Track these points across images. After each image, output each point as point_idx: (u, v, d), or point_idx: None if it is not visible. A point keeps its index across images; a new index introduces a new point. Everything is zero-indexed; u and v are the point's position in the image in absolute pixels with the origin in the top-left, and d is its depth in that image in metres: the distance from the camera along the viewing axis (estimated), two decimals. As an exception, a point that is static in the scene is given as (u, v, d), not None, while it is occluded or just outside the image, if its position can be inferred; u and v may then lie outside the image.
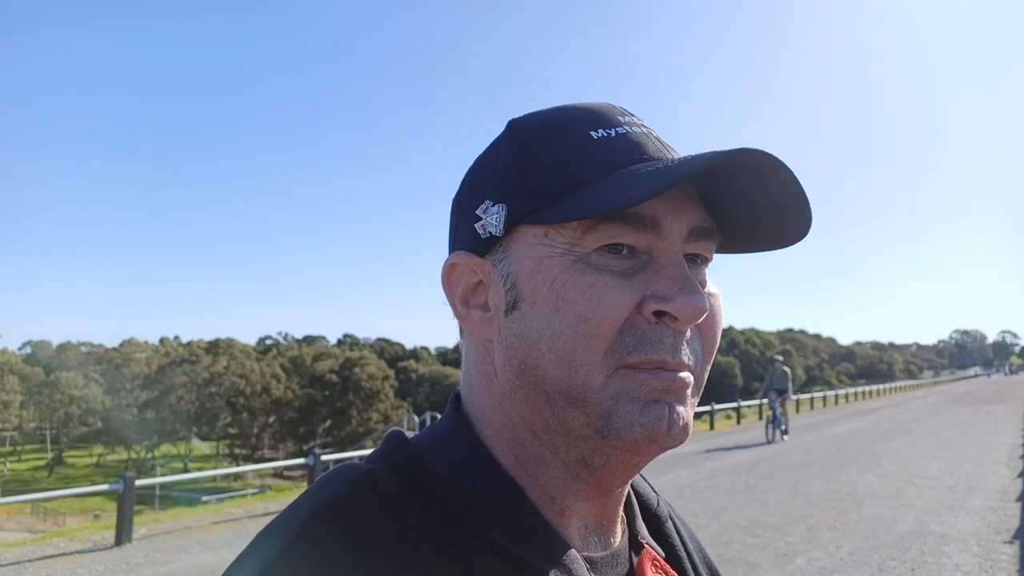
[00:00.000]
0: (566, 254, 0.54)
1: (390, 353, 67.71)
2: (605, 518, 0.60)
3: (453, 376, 55.94)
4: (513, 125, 0.60)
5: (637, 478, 0.68)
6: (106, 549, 7.67)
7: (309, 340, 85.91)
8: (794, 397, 29.65)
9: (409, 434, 0.60)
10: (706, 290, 0.57)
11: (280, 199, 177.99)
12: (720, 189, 0.57)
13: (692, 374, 0.55)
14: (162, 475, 33.50)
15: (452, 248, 0.62)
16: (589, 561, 0.56)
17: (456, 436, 0.59)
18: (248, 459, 51.06)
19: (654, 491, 0.70)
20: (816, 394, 35.48)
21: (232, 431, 55.38)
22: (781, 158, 0.51)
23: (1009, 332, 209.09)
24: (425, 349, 72.23)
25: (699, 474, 11.60)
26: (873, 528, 7.87)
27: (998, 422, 22.52)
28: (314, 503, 0.51)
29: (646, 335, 0.53)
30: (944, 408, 30.46)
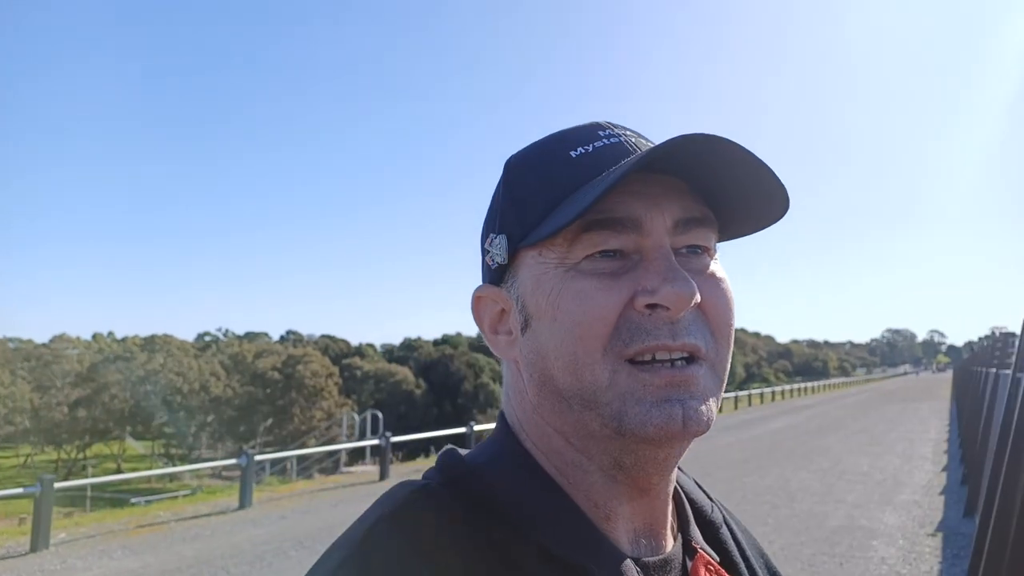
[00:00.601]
0: (559, 266, 0.58)
1: (335, 350, 66.78)
2: (654, 521, 0.62)
3: (399, 374, 55.56)
4: (507, 162, 0.66)
5: (690, 485, 0.71)
6: (19, 556, 7.31)
7: (251, 337, 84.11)
8: (731, 395, 30.38)
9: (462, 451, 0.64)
10: (709, 275, 0.60)
11: (219, 188, 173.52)
12: (699, 178, 0.60)
13: (702, 357, 0.57)
14: (94, 476, 32.45)
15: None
16: (641, 565, 0.59)
17: (505, 449, 0.63)
18: (185, 459, 49.90)
19: (710, 498, 0.72)
20: (754, 391, 36.36)
21: (168, 430, 53.98)
22: (727, 137, 0.54)
23: (937, 331, 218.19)
24: (371, 346, 71.38)
25: (639, 471, 11.71)
26: (805, 523, 8.05)
27: (925, 418, 23.42)
28: (373, 516, 0.55)
29: (641, 326, 0.56)
30: (875, 405, 31.56)
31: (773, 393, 38.65)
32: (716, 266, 0.62)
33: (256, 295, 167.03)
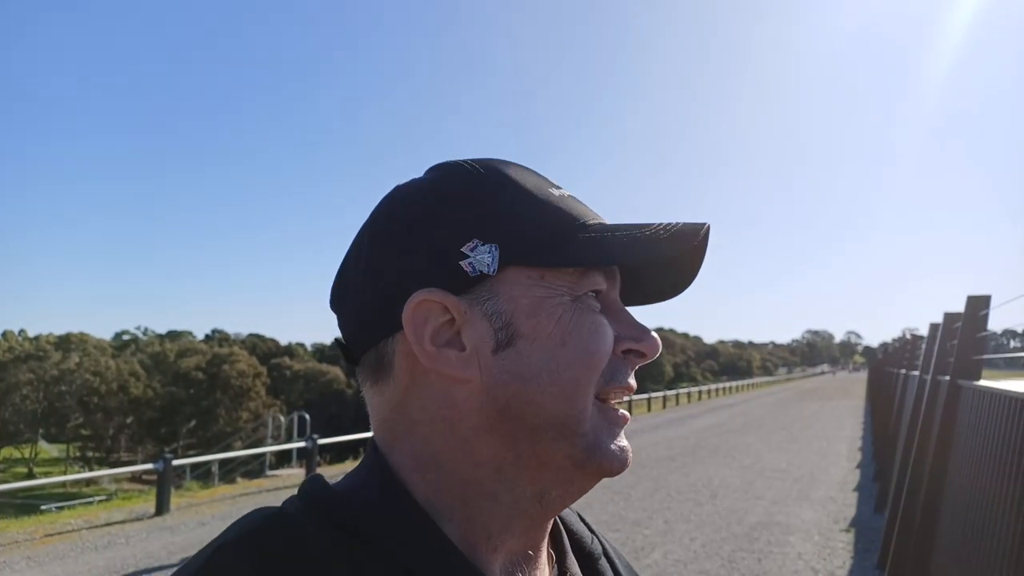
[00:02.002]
0: (567, 294, 0.58)
1: (263, 349, 65.18)
2: (534, 551, 0.62)
3: (330, 373, 54.60)
4: (483, 168, 0.62)
5: (571, 517, 0.71)
6: (-90, 571, 6.84)
7: (173, 335, 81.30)
8: (659, 394, 31.02)
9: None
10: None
11: (135, 177, 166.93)
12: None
13: None
14: (2, 481, 30.78)
15: (395, 284, 0.59)
16: None
17: (374, 477, 0.59)
18: (103, 462, 47.93)
19: (590, 529, 0.72)
20: (682, 390, 37.20)
21: (85, 432, 51.78)
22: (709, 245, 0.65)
23: (854, 333, 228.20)
24: (301, 345, 69.98)
25: (568, 471, 11.82)
26: (726, 520, 8.27)
27: (841, 416, 24.43)
28: (217, 543, 0.52)
29: (619, 368, 0.60)
30: (794, 403, 32.73)
31: (700, 392, 39.62)
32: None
33: (178, 293, 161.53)
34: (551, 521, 0.63)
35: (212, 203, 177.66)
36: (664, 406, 30.70)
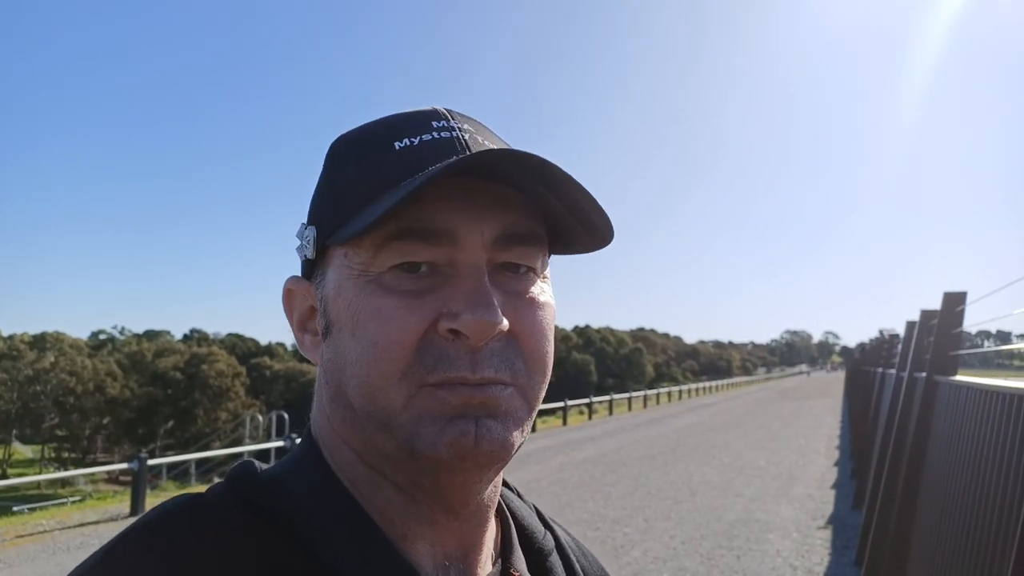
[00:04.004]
0: (361, 275, 0.53)
1: (242, 349, 64.68)
2: (467, 546, 0.58)
3: (310, 373, 54.34)
4: (333, 143, 0.59)
5: (523, 511, 0.67)
6: None
7: (150, 335, 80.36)
8: (640, 394, 31.13)
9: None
10: (528, 299, 0.55)
11: (112, 177, 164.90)
12: (532, 192, 0.54)
13: (509, 386, 0.53)
14: (-28, 483, 30.26)
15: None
16: None
17: (304, 462, 0.57)
18: (79, 463, 47.32)
19: (547, 524, 0.68)
20: (663, 390, 37.35)
21: (60, 433, 51.09)
22: (550, 161, 0.50)
23: (832, 333, 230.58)
24: (281, 345, 69.42)
25: (547, 469, 11.81)
26: (705, 517, 8.30)
27: (819, 415, 24.64)
28: (125, 530, 0.50)
29: (445, 353, 0.51)
30: (773, 402, 32.99)
31: (680, 392, 39.81)
32: (540, 288, 0.57)
33: (157, 292, 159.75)
34: (477, 514, 0.58)
35: (193, 202, 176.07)
36: (645, 405, 30.81)
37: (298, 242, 0.60)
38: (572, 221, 0.57)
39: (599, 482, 10.58)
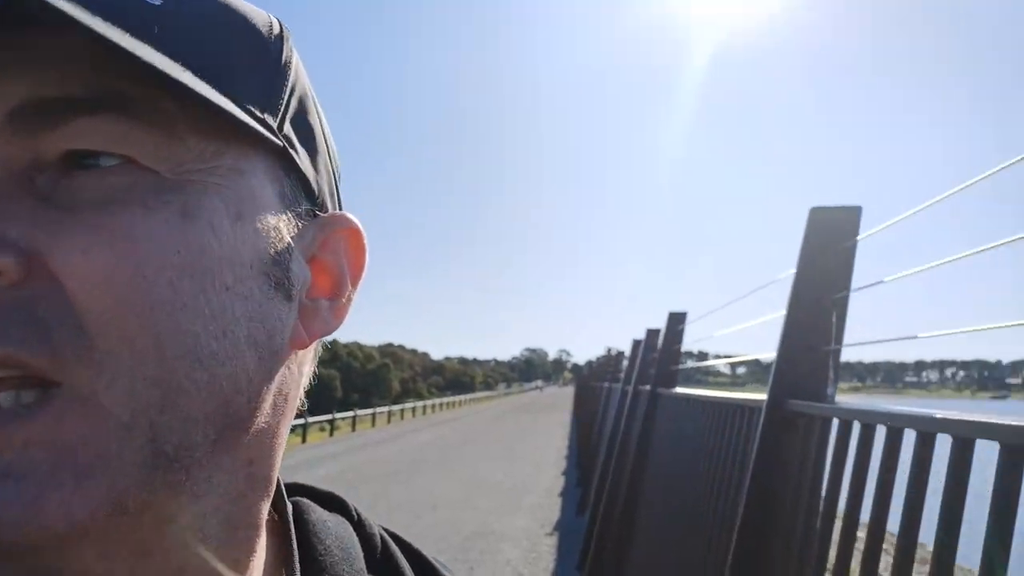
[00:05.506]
0: None
1: None
2: None
3: None
4: None
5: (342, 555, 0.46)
6: None
7: None
8: (385, 409, 30.94)
9: None
10: (98, 216, 0.31)
11: None
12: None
13: (46, 380, 0.29)
14: None
15: None
16: None
17: None
18: None
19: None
20: (407, 405, 37.46)
21: None
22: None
23: (565, 351, 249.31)
24: None
25: (282, 489, 11.12)
26: (443, 531, 8.28)
27: (551, 428, 26.26)
28: None
29: None
30: (511, 416, 34.62)
31: (425, 407, 40.20)
32: (145, 192, 0.32)
33: None
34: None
35: None
36: (389, 421, 30.62)
37: None
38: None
39: (336, 500, 10.16)
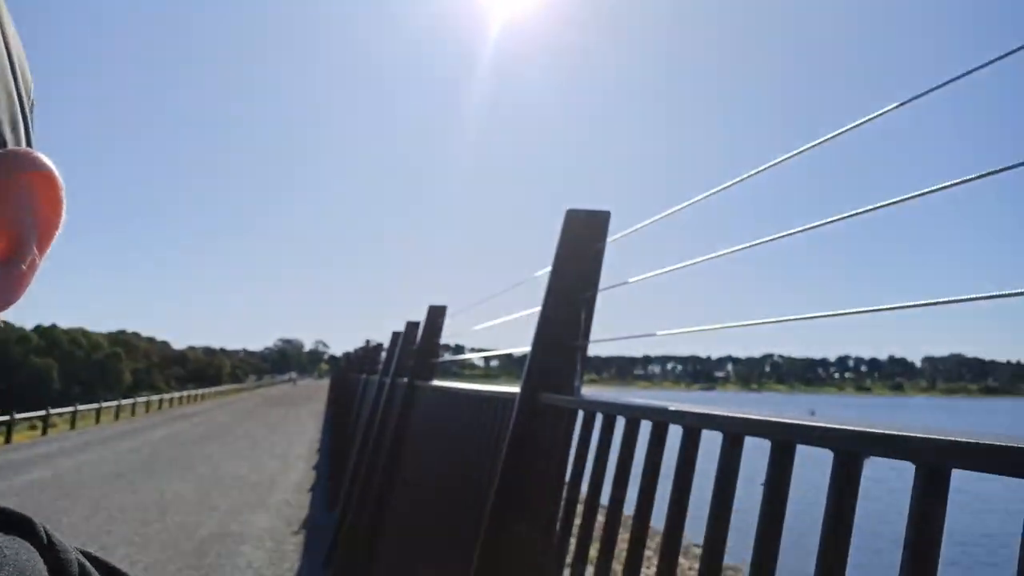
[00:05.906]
0: None
1: None
2: None
3: None
4: None
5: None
6: None
7: None
8: (113, 404, 27.87)
9: None
10: None
11: None
12: None
13: None
14: None
15: None
16: None
17: None
18: None
19: None
20: (140, 399, 34.00)
21: None
22: None
23: (322, 342, 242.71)
24: None
25: (-27, 499, 9.51)
26: (175, 536, 7.62)
27: (304, 421, 25.42)
28: None
29: None
30: (261, 410, 32.93)
31: (161, 401, 36.78)
32: None
33: None
34: None
35: None
36: (117, 417, 27.56)
37: None
38: None
39: (47, 509, 8.89)
